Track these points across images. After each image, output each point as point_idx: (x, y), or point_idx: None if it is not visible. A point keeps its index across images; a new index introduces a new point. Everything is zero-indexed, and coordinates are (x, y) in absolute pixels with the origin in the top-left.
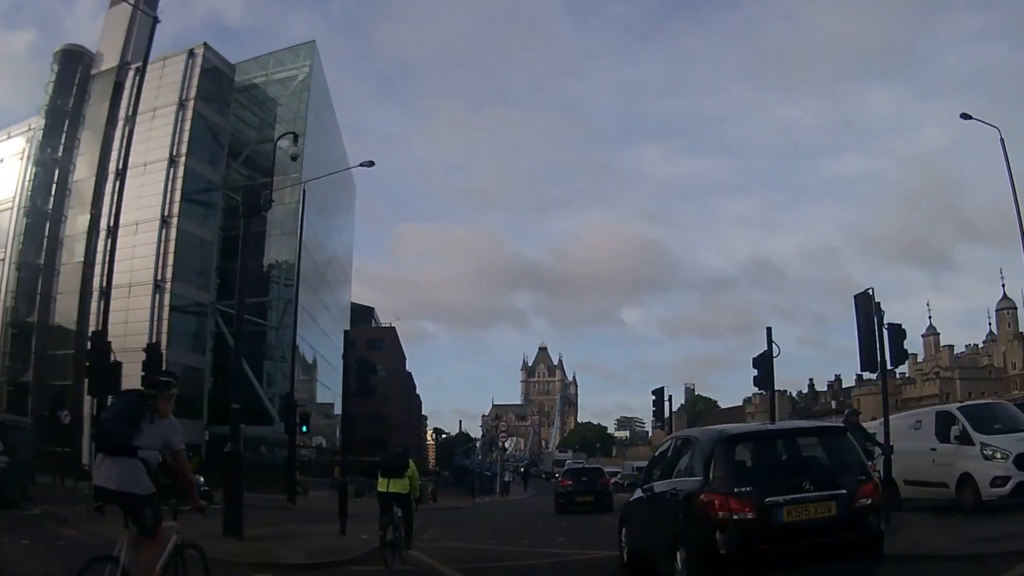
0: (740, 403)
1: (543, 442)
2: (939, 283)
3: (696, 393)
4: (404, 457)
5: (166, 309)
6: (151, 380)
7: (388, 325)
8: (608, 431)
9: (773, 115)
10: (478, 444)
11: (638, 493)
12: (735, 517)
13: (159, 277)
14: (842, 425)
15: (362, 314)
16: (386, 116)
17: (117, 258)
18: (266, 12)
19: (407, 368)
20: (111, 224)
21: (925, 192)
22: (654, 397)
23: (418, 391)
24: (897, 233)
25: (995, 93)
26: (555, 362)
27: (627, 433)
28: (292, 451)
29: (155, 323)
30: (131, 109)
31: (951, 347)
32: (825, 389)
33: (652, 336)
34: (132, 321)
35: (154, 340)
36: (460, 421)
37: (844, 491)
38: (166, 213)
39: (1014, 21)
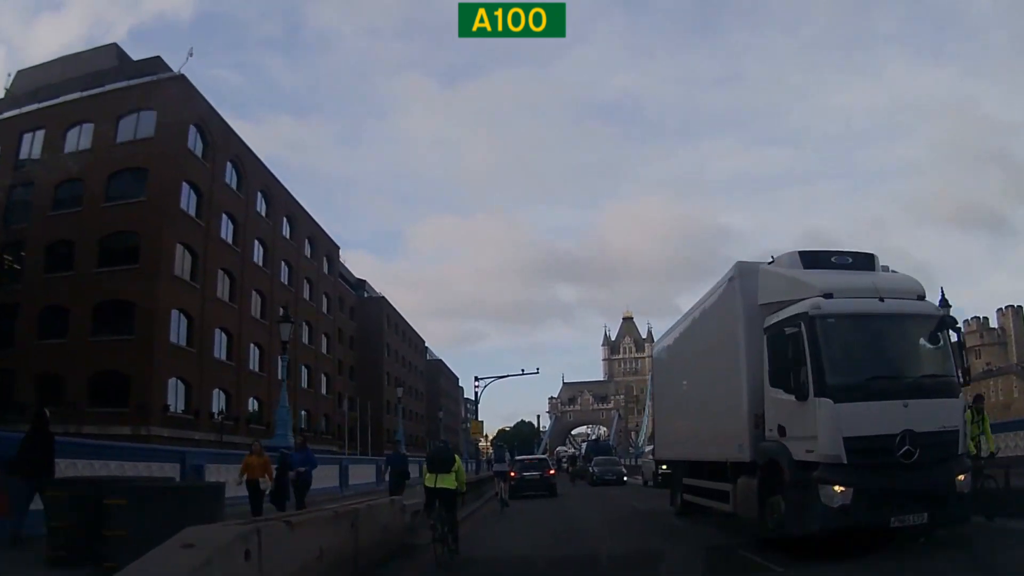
0: None
1: (632, 433)
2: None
3: None
4: (449, 450)
5: None
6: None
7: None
8: None
9: (827, 102)
10: (544, 435)
11: None
12: (515, 476)
13: None
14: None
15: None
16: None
17: None
18: None
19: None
20: None
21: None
22: None
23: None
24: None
25: None
26: (643, 335)
27: None
28: None
29: None
30: None
31: None
32: None
33: None
34: None
35: None
36: (538, 416)
37: (540, 472)
38: None
39: None
